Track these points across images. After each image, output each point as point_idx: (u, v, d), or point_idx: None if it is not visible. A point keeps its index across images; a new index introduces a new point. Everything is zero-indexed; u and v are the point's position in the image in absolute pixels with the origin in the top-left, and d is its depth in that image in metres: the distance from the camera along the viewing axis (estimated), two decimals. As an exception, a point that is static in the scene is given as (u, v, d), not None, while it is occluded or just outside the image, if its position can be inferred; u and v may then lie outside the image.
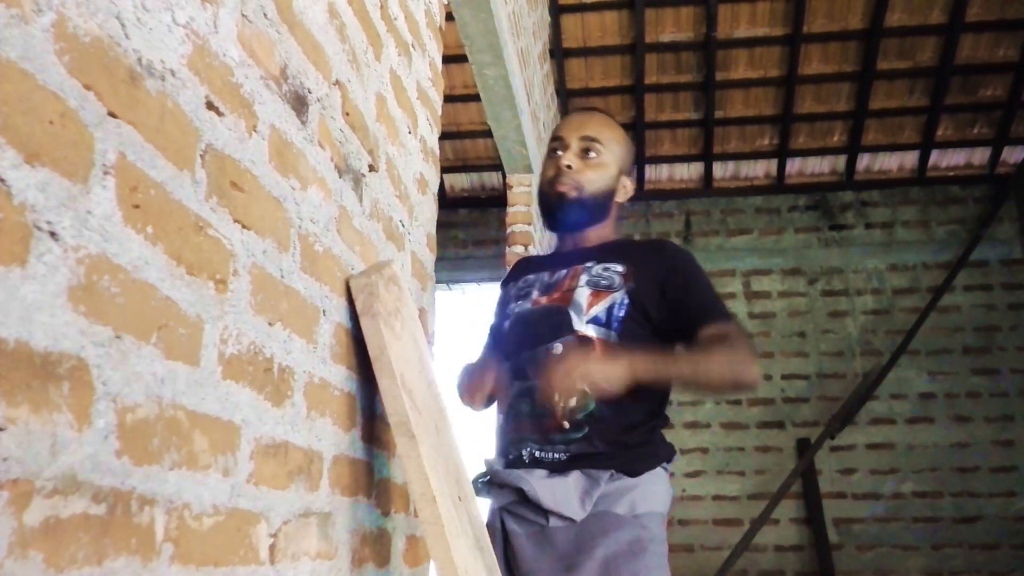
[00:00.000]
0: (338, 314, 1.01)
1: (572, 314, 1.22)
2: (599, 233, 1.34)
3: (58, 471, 0.51)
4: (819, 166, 5.13)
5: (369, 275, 1.06)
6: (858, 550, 4.67)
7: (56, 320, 0.52)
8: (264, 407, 0.80)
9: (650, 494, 1.17)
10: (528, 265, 1.42)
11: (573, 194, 1.29)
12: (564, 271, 1.30)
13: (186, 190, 0.68)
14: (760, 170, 5.17)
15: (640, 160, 4.97)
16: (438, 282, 1.59)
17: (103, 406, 0.56)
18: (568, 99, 4.65)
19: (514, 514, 1.20)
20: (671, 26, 4.39)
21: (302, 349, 0.90)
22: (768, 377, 4.97)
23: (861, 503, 4.73)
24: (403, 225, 1.33)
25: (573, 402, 1.16)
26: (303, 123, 0.92)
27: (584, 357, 1.09)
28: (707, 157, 4.99)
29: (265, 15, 0.83)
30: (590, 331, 1.20)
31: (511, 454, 1.24)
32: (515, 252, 3.38)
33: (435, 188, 1.54)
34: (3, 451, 0.47)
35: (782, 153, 4.96)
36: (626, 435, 1.19)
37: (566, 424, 1.18)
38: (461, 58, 3.20)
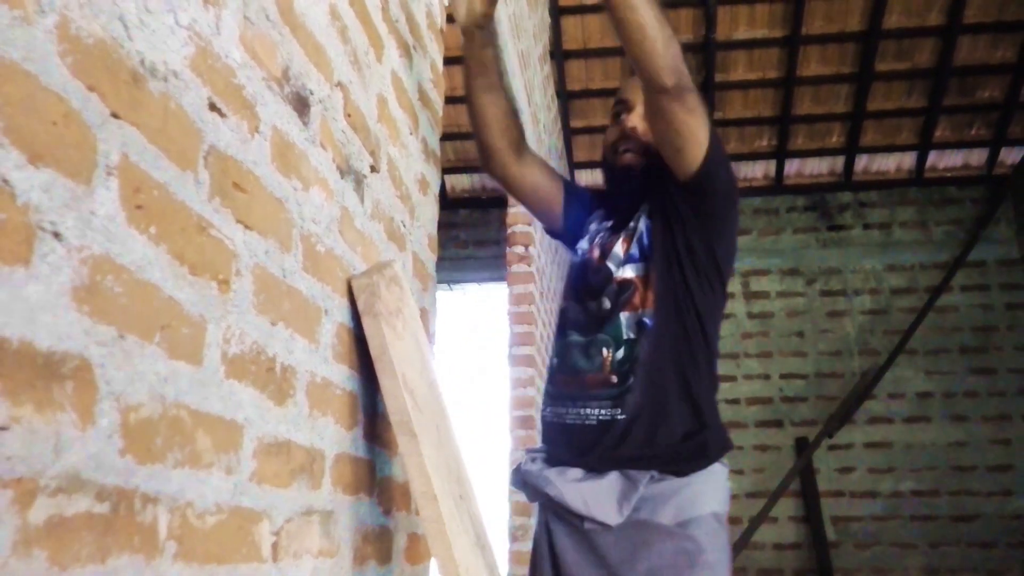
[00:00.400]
0: (340, 314, 1.01)
1: (611, 266, 1.22)
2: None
3: (62, 470, 0.52)
4: (817, 167, 5.14)
5: (371, 275, 1.06)
6: (856, 548, 4.68)
7: (60, 320, 0.52)
8: (267, 406, 0.80)
9: (699, 495, 1.07)
10: (600, 200, 1.41)
11: (639, 164, 1.25)
12: (614, 232, 1.28)
13: (189, 191, 0.68)
14: (759, 171, 5.18)
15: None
16: (439, 282, 1.60)
17: (106, 405, 0.57)
18: (568, 101, 4.66)
19: (554, 511, 1.16)
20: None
21: (304, 349, 0.90)
22: (767, 376, 4.98)
23: (859, 501, 4.74)
24: (404, 225, 1.33)
25: None
26: (305, 124, 0.93)
27: None
28: (706, 157, 4.99)
29: (267, 17, 0.84)
30: (628, 272, 1.20)
31: (559, 407, 1.21)
32: (515, 252, 3.38)
33: (436, 189, 1.55)
34: (7, 450, 0.47)
35: (781, 154, 4.97)
36: (674, 387, 1.13)
37: (613, 378, 1.14)
38: (462, 59, 3.20)
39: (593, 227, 1.35)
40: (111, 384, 0.57)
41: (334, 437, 0.97)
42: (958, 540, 4.61)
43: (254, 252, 0.79)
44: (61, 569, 0.51)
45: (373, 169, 1.17)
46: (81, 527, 0.53)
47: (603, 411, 1.13)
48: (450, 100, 5.02)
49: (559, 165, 4.57)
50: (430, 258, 1.50)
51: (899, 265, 5.05)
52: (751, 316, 5.07)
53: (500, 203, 4.59)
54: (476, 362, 6.30)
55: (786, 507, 4.75)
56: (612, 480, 1.08)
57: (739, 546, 4.35)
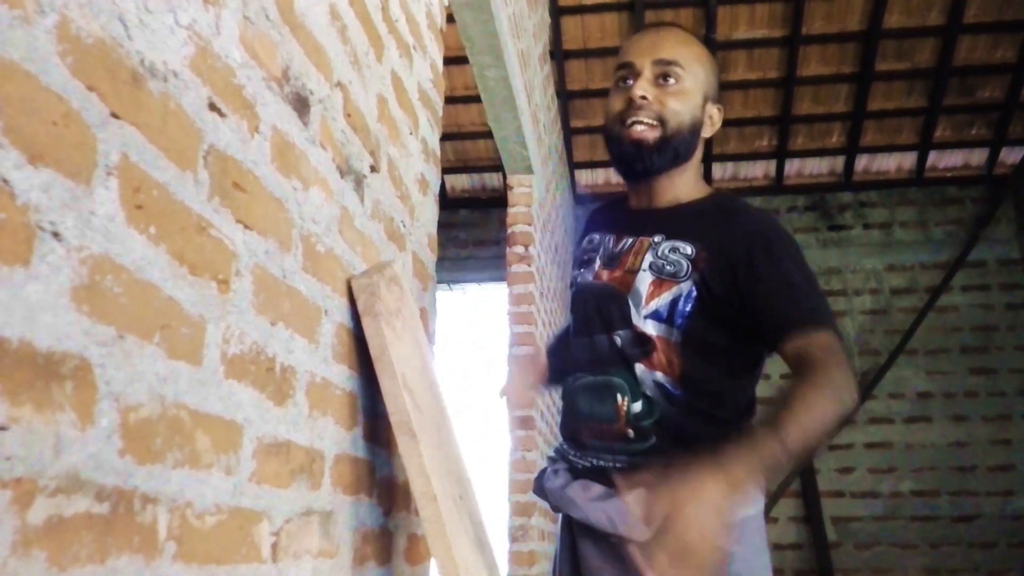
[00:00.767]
0: (340, 314, 1.01)
1: (631, 304, 1.05)
2: (678, 184, 1.11)
3: (61, 470, 0.52)
4: (818, 167, 5.13)
5: (371, 275, 1.06)
6: (856, 548, 4.68)
7: (59, 320, 0.52)
8: (266, 406, 0.80)
9: None
10: (598, 218, 1.23)
11: (652, 136, 1.06)
12: (629, 240, 1.10)
13: (188, 191, 0.68)
14: (759, 171, 5.17)
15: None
16: (439, 282, 1.59)
17: (106, 405, 0.57)
18: (568, 101, 4.66)
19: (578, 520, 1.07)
20: (670, 27, 4.39)
21: (304, 349, 0.90)
22: (767, 376, 4.97)
23: (859, 502, 4.74)
24: (404, 225, 1.33)
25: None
26: (305, 124, 0.93)
27: (677, 541, 0.74)
28: (706, 158, 4.99)
29: (267, 17, 0.84)
30: (649, 328, 1.03)
31: (571, 453, 1.09)
32: (515, 252, 3.38)
33: (436, 189, 1.55)
34: (6, 450, 0.47)
35: (781, 154, 4.97)
36: (702, 443, 0.99)
37: (631, 432, 1.02)
38: (462, 59, 3.20)
39: (587, 244, 1.19)
40: (110, 384, 0.57)
41: (334, 437, 0.97)
42: (958, 540, 4.60)
43: (254, 252, 0.79)
44: (60, 569, 0.51)
45: (373, 169, 1.17)
46: (80, 527, 0.53)
47: (619, 465, 1.03)
48: (450, 100, 5.00)
49: (559, 165, 4.57)
50: (430, 258, 1.49)
51: (899, 265, 5.05)
52: (751, 316, 5.06)
53: (500, 203, 4.59)
54: (476, 362, 6.31)
55: (786, 507, 4.74)
56: (637, 496, 0.98)
57: (739, 546, 4.35)
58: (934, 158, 5.01)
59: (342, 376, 1.01)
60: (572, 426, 1.10)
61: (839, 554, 4.66)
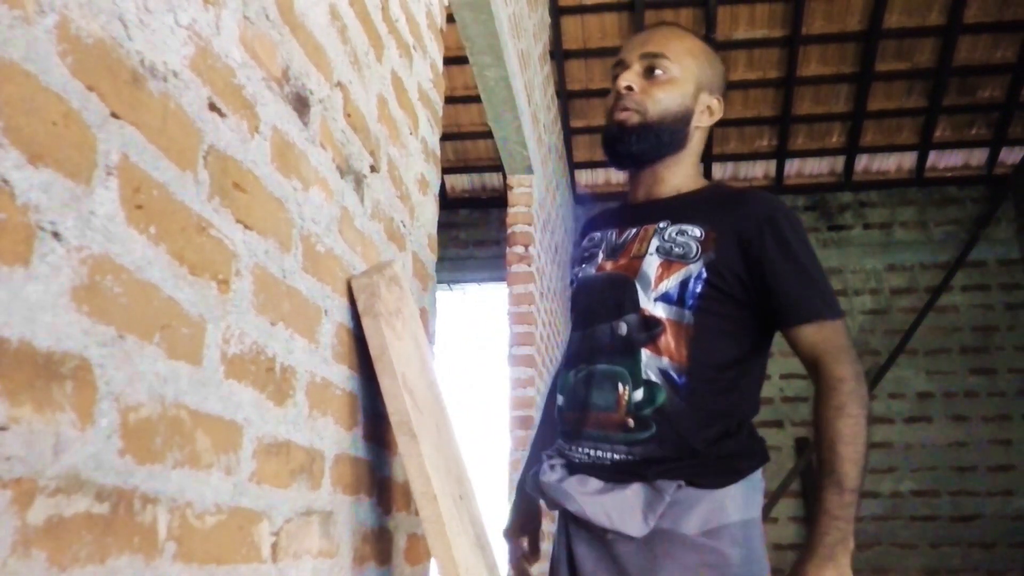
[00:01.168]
0: (340, 314, 1.01)
1: (639, 288, 1.04)
2: (676, 174, 1.12)
3: (61, 470, 0.52)
4: (818, 167, 5.14)
5: (371, 275, 1.06)
6: (856, 549, 4.64)
7: (59, 320, 0.52)
8: (266, 406, 0.80)
9: (728, 502, 0.99)
10: (597, 220, 1.22)
11: (634, 120, 1.08)
12: (633, 230, 1.10)
13: (188, 191, 0.68)
14: (759, 171, 5.18)
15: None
16: (439, 282, 1.60)
17: (106, 405, 0.57)
18: (568, 100, 4.66)
19: (574, 518, 1.06)
20: (670, 27, 4.40)
21: (304, 349, 0.90)
22: (767, 376, 4.97)
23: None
24: (404, 225, 1.33)
25: None
26: (305, 124, 0.93)
27: None
28: (706, 158, 4.99)
29: (267, 17, 0.84)
30: (659, 311, 1.02)
31: (568, 447, 1.08)
32: (515, 252, 3.38)
33: (436, 189, 1.55)
34: (6, 450, 0.47)
35: (781, 154, 4.97)
36: (702, 436, 1.00)
37: (631, 422, 1.01)
38: (462, 59, 3.21)
39: (587, 243, 1.19)
40: (110, 384, 0.57)
41: (334, 437, 0.97)
42: (959, 540, 4.60)
43: (254, 252, 0.79)
44: (60, 569, 0.51)
45: (373, 169, 1.17)
46: (80, 527, 0.53)
47: (617, 455, 1.02)
48: (450, 100, 5.00)
49: (559, 165, 4.57)
50: (430, 258, 1.49)
51: (899, 265, 5.05)
52: (751, 316, 5.07)
53: (500, 203, 4.59)
54: (476, 362, 6.31)
55: (786, 507, 4.74)
56: (635, 490, 0.99)
57: (739, 546, 4.35)
58: (934, 158, 5.01)
59: (342, 376, 1.01)
60: (571, 419, 1.09)
61: (839, 554, 4.66)
